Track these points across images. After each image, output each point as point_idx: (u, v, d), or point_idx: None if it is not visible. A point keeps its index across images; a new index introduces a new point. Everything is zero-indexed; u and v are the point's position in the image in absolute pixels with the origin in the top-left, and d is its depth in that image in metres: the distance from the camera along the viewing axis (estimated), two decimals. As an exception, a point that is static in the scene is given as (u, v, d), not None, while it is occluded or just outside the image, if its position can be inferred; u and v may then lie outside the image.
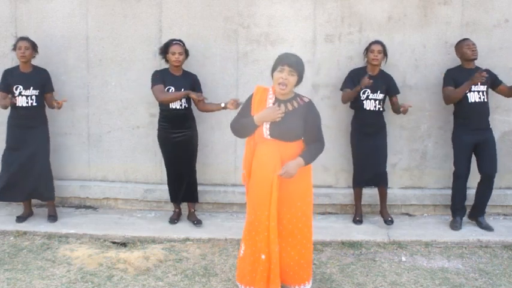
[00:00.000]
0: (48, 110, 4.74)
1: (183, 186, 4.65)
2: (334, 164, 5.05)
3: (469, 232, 4.50)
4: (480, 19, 4.91)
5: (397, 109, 4.63)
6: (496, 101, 4.79)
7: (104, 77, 5.08)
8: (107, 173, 5.20)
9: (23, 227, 4.50)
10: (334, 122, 4.98)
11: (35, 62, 4.68)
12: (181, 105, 4.50)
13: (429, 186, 5.09)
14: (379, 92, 4.59)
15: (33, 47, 4.60)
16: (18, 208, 4.87)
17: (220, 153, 5.09)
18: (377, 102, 4.61)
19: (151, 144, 5.05)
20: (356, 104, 4.67)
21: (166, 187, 4.77)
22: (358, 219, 4.74)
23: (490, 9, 4.90)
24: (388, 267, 3.92)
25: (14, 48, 4.55)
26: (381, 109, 4.65)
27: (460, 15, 4.90)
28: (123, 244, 4.27)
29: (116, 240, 4.32)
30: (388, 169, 4.77)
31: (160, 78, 4.50)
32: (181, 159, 4.60)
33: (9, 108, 4.57)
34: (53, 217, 4.68)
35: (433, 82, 4.94)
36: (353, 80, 4.64)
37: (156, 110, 4.83)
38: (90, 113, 5.13)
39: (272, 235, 3.09)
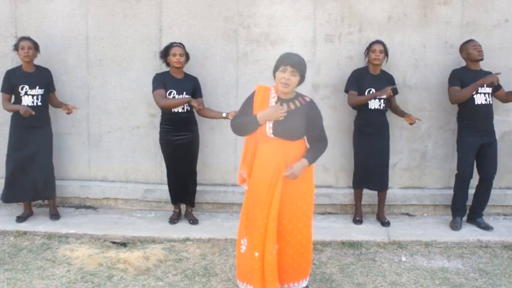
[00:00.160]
0: (49, 110, 4.73)
1: (184, 188, 4.66)
2: (334, 164, 5.06)
3: (469, 232, 4.50)
4: (480, 19, 4.91)
5: (394, 108, 4.69)
6: (496, 101, 4.78)
7: (104, 77, 5.08)
8: (107, 173, 5.20)
9: (23, 227, 4.50)
10: (334, 122, 4.98)
11: (35, 62, 4.67)
12: (183, 108, 4.50)
13: (429, 186, 5.09)
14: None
15: (36, 46, 4.60)
16: (18, 208, 4.87)
17: (220, 153, 5.09)
18: (381, 101, 4.62)
19: (151, 144, 5.06)
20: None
21: (166, 187, 4.77)
22: (358, 219, 4.75)
23: (490, 9, 4.90)
24: (388, 267, 3.92)
25: (15, 48, 4.54)
26: (385, 108, 4.66)
27: (460, 15, 4.90)
28: (123, 244, 4.27)
29: (116, 240, 4.32)
30: (388, 169, 4.77)
31: (161, 81, 4.46)
32: (183, 161, 4.60)
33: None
34: (55, 216, 4.69)
35: (433, 82, 4.94)
36: (357, 80, 4.65)
37: (156, 110, 4.83)
38: (90, 113, 5.13)
39: (270, 235, 3.08)
